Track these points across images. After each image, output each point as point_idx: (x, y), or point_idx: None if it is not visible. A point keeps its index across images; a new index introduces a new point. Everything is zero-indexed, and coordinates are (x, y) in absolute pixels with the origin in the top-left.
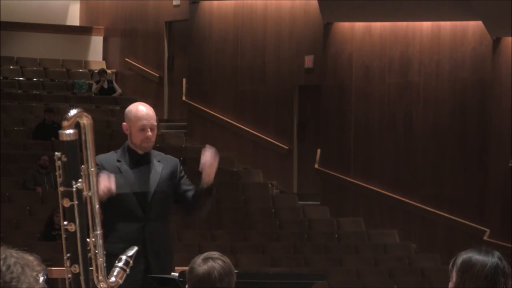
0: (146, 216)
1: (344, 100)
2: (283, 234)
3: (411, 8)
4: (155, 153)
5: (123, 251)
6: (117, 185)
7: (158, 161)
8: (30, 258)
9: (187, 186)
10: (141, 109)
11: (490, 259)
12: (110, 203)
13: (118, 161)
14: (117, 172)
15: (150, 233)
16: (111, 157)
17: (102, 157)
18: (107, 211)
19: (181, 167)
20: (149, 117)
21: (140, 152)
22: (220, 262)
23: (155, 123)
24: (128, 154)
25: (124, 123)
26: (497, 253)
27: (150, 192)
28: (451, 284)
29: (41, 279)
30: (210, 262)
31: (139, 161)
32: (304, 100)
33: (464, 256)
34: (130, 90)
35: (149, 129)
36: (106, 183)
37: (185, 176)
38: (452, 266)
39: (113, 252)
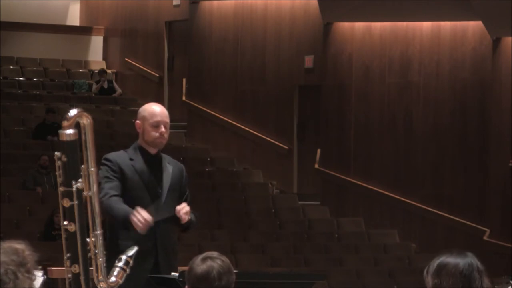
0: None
1: (344, 100)
2: (283, 234)
3: (411, 8)
4: (163, 155)
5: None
6: (132, 183)
7: (168, 163)
8: (18, 248)
9: (183, 196)
10: (155, 107)
11: (463, 259)
12: (124, 201)
13: (131, 159)
14: (133, 171)
15: (161, 233)
16: (122, 155)
17: (114, 155)
18: None
19: (186, 174)
20: (163, 115)
21: (152, 151)
22: (219, 261)
23: (168, 122)
24: (140, 154)
25: (137, 121)
26: (470, 254)
27: (164, 192)
28: None
29: (37, 273)
30: (209, 261)
31: (151, 161)
32: (304, 100)
33: (437, 260)
34: (130, 90)
35: (162, 126)
36: (145, 215)
37: (187, 184)
38: (427, 273)
39: (125, 250)
